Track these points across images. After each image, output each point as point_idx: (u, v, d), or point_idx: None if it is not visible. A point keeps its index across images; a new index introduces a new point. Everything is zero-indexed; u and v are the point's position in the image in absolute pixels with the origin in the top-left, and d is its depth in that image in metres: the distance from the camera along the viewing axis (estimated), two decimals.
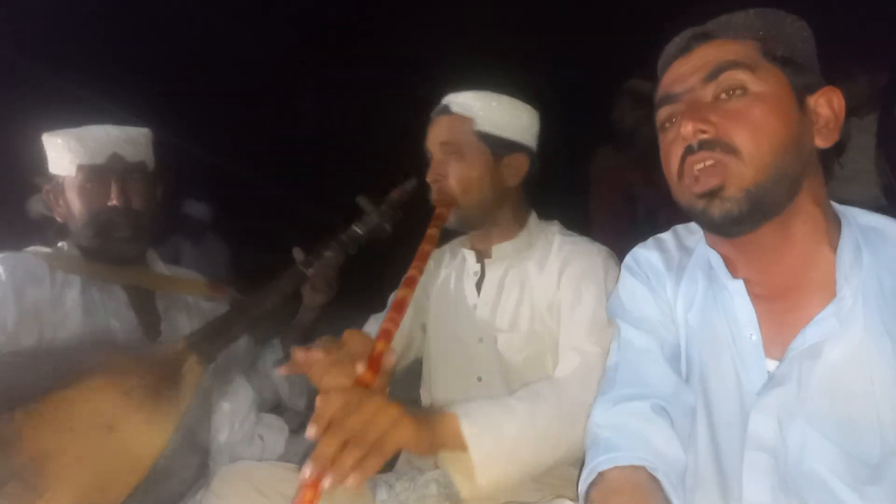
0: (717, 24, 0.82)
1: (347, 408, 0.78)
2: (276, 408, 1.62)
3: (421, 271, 1.10)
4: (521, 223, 1.33)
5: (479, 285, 1.32)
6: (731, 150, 0.76)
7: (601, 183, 3.00)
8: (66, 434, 1.00)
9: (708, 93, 0.79)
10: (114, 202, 1.34)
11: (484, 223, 1.30)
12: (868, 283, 0.77)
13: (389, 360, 0.90)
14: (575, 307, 1.16)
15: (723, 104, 0.78)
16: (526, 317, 1.23)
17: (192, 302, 1.51)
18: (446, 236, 1.38)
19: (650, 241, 0.98)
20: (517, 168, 1.27)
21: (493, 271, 1.31)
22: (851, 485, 0.72)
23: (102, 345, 1.22)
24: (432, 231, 1.21)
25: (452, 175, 1.25)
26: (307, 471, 0.73)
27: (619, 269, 1.13)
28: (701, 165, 0.78)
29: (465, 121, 1.25)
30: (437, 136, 1.28)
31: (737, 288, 0.83)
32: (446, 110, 1.28)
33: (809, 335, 0.77)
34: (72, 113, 1.42)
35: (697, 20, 0.87)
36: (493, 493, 0.92)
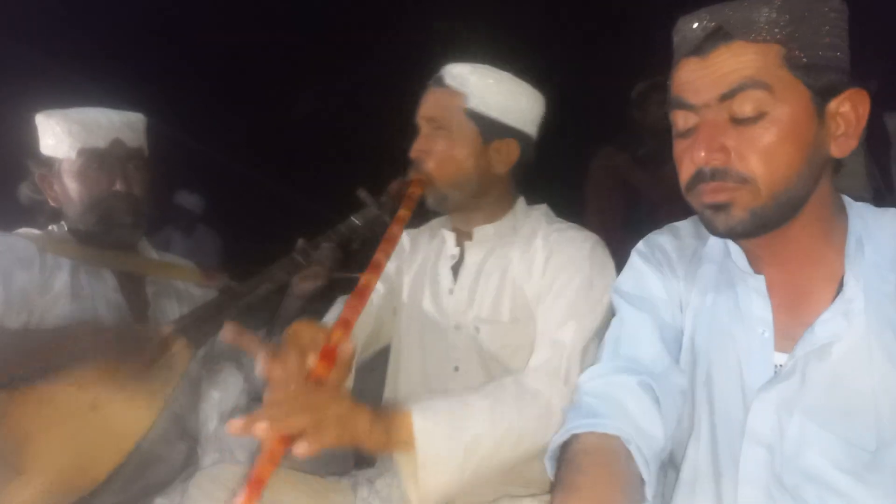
0: (735, 17, 0.75)
1: (294, 403, 0.76)
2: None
3: (388, 255, 1.03)
4: (506, 208, 1.25)
5: (455, 269, 1.24)
6: (743, 180, 0.75)
7: (600, 183, 2.99)
8: (47, 412, 1.00)
9: (723, 112, 0.76)
10: (117, 188, 1.33)
11: (464, 208, 1.22)
12: (871, 278, 0.77)
13: (346, 351, 0.84)
14: (556, 297, 1.11)
15: (738, 128, 0.75)
16: (507, 306, 1.17)
17: (181, 289, 1.50)
18: (428, 215, 1.33)
19: (665, 227, 0.98)
20: (507, 155, 1.18)
21: (473, 255, 1.23)
22: (851, 472, 0.73)
23: (90, 330, 1.21)
24: (403, 212, 1.11)
25: (434, 153, 1.16)
26: (249, 469, 0.72)
27: (607, 258, 1.15)
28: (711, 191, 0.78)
29: (457, 96, 1.16)
30: (425, 109, 1.19)
31: (757, 284, 0.83)
32: (439, 81, 1.19)
33: (819, 334, 0.77)
34: (61, 95, 1.40)
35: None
36: (444, 498, 0.88)
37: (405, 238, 1.34)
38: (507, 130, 1.17)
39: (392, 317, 1.30)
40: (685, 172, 0.80)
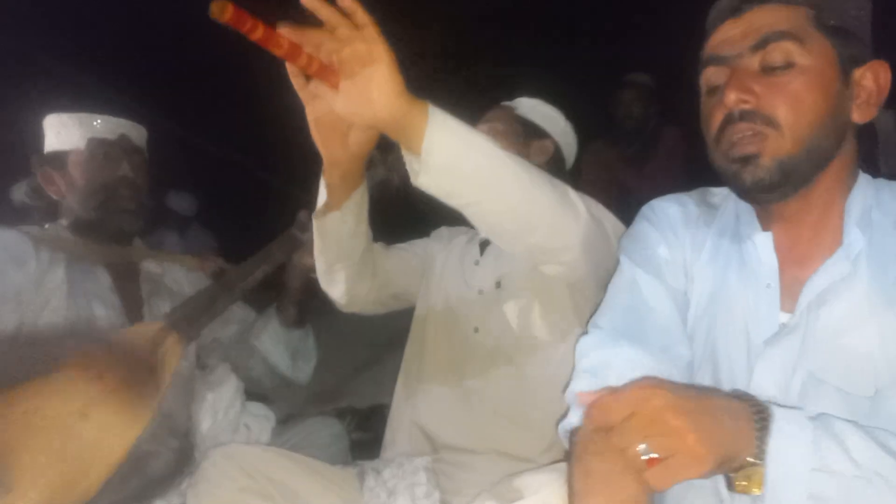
0: None
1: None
2: (263, 398, 1.60)
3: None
4: None
5: (483, 246, 1.40)
6: (770, 123, 0.78)
7: (590, 178, 3.02)
8: (35, 424, 0.96)
9: (754, 61, 0.81)
10: (123, 173, 1.40)
11: None
12: (879, 239, 0.80)
13: None
14: None
15: (767, 75, 0.80)
16: (528, 265, 1.27)
17: (175, 289, 1.50)
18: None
19: (669, 196, 1.00)
20: (543, 151, 1.42)
21: None
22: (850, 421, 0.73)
23: (79, 334, 1.20)
24: None
25: None
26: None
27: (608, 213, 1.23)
28: (740, 135, 0.80)
29: (510, 108, 1.44)
30: (485, 118, 1.43)
31: (765, 240, 0.85)
32: (500, 107, 1.47)
33: (818, 281, 0.80)
34: (57, 102, 1.47)
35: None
36: (441, 184, 0.90)
37: (446, 230, 1.54)
38: (544, 134, 1.44)
39: (418, 279, 1.45)
40: (714, 123, 0.82)
